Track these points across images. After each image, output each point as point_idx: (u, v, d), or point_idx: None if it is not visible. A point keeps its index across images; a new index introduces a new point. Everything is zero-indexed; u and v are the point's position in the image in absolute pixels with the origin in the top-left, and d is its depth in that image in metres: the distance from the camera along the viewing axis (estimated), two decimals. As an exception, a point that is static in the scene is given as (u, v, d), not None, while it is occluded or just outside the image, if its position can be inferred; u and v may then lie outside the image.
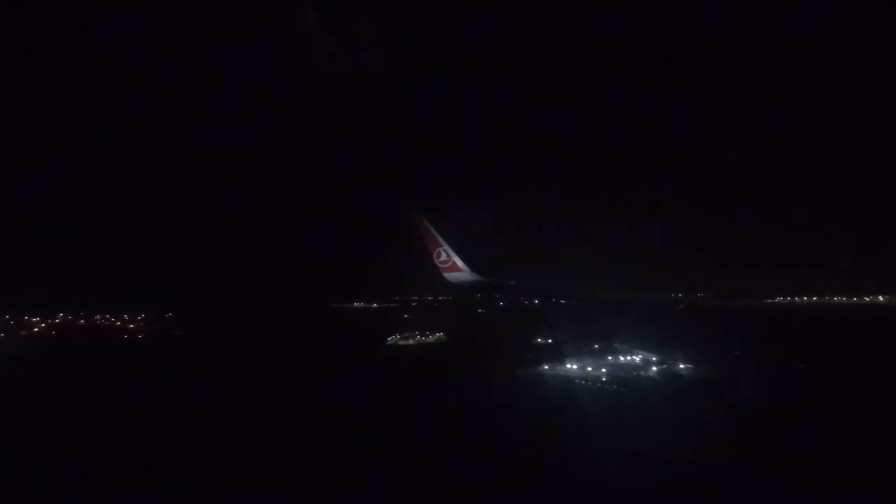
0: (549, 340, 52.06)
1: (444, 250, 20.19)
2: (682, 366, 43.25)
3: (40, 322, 71.02)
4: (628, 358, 44.96)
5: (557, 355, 44.58)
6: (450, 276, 20.05)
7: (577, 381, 39.68)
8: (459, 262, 20.18)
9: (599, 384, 38.82)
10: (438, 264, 20.23)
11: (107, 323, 74.89)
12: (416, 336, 63.98)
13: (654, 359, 45.19)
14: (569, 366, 41.81)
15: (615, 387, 38.21)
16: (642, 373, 41.50)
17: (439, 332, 65.36)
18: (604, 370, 41.24)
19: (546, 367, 41.77)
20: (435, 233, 20.41)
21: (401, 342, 61.39)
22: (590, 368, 41.31)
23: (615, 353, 45.84)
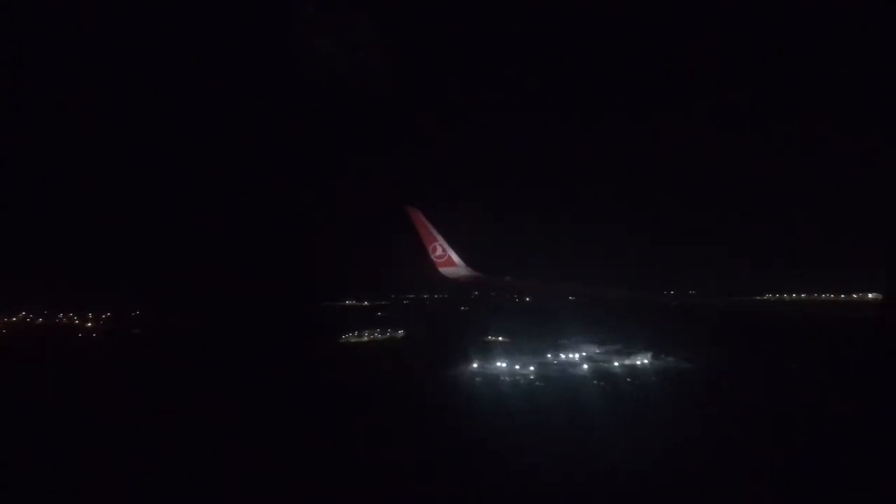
0: (500, 338, 51.36)
1: (440, 245, 20.19)
2: (625, 363, 42.16)
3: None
4: (571, 356, 43.86)
5: (496, 354, 43.57)
6: (445, 270, 20.16)
7: (498, 378, 38.60)
8: (455, 257, 20.19)
9: (520, 382, 37.74)
10: (434, 259, 20.21)
11: (66, 321, 74.17)
12: (374, 333, 63.46)
13: (598, 355, 44.10)
14: (498, 364, 40.60)
15: (536, 384, 37.16)
16: (577, 370, 40.28)
17: (400, 330, 64.82)
18: (532, 368, 40.05)
19: (475, 366, 40.54)
20: (431, 227, 20.34)
21: (353, 339, 60.66)
22: (518, 366, 40.16)
23: (560, 350, 44.76)
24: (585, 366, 40.97)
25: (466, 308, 70.59)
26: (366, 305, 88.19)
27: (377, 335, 62.61)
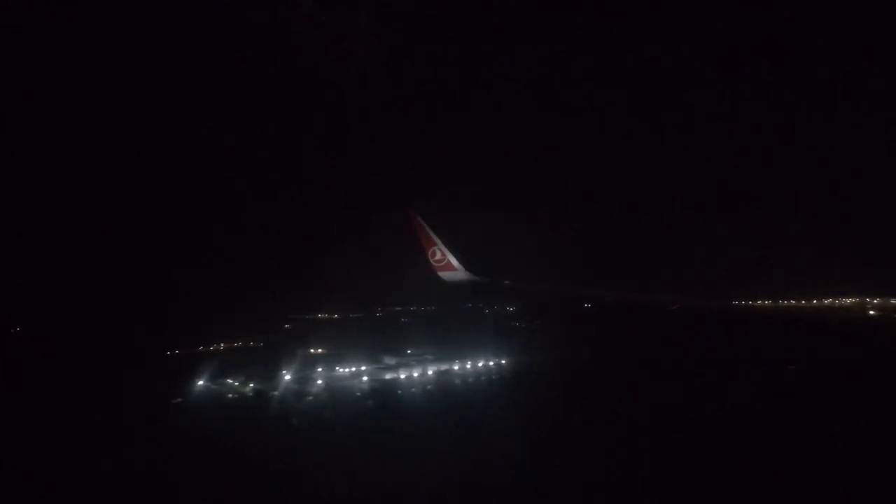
0: (320, 350, 50.52)
1: (439, 249, 20.08)
2: (385, 378, 41.12)
3: None
4: (346, 369, 42.89)
5: (270, 365, 42.80)
6: (444, 275, 20.12)
7: (210, 391, 37.88)
8: (455, 262, 20.11)
9: (225, 396, 37.25)
10: (433, 263, 20.14)
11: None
12: (232, 344, 61.97)
13: (379, 367, 43.07)
14: (229, 381, 39.92)
15: (228, 398, 36.70)
16: (305, 387, 39.10)
17: (261, 342, 63.27)
18: (251, 385, 39.31)
19: (201, 382, 39.64)
20: (430, 231, 20.23)
21: (201, 348, 59.03)
22: (245, 380, 39.56)
23: (347, 363, 43.76)
24: (320, 381, 40.17)
25: (406, 320, 69.53)
26: (336, 318, 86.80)
27: (223, 345, 60.30)
